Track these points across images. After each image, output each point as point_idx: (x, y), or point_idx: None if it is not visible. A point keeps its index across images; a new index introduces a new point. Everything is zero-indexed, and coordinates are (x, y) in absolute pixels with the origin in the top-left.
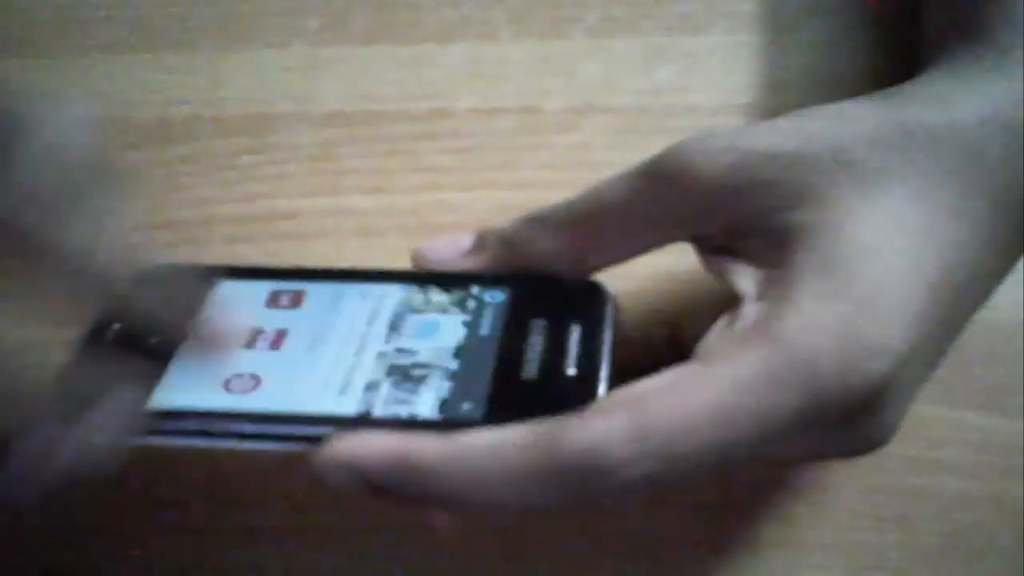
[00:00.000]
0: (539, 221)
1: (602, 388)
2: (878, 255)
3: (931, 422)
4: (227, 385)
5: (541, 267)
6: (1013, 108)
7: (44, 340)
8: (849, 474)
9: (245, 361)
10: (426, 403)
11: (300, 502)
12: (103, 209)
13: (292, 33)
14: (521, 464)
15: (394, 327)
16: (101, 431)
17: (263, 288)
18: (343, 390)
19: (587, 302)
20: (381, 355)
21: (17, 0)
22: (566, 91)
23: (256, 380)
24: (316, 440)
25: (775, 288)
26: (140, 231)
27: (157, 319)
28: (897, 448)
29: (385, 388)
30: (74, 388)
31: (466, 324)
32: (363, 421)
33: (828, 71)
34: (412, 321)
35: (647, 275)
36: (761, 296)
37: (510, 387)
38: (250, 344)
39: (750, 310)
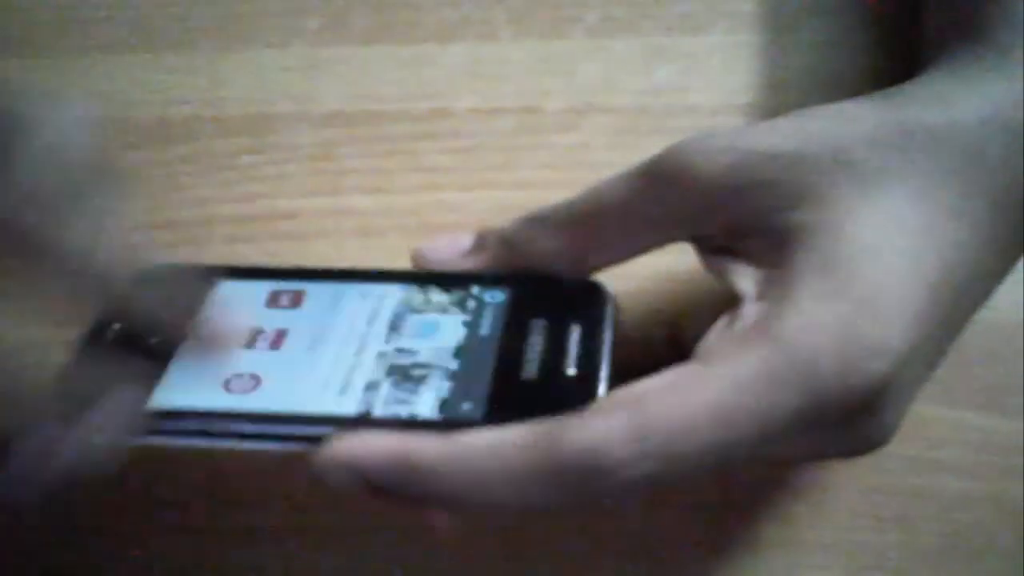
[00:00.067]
0: (539, 221)
1: (602, 388)
2: (878, 255)
3: (931, 422)
4: (227, 385)
5: (541, 267)
6: (1013, 108)
7: (44, 340)
8: (849, 474)
9: (245, 361)
10: (426, 403)
11: (300, 502)
12: (103, 209)
13: (292, 33)
14: (521, 464)
15: (394, 327)
16: (101, 431)
17: (263, 288)
18: (343, 390)
19: (587, 302)
20: (381, 355)
21: (17, 0)
22: (566, 91)
23: (256, 380)
24: (316, 440)
25: (775, 288)
26: (140, 231)
27: (157, 319)
28: (897, 448)
29: (385, 388)
30: (74, 388)
31: (466, 324)
32: (363, 421)
33: (828, 71)
34: (412, 321)
35: (647, 275)
36: (761, 296)
37: (510, 387)
38: (250, 344)
39: (750, 310)
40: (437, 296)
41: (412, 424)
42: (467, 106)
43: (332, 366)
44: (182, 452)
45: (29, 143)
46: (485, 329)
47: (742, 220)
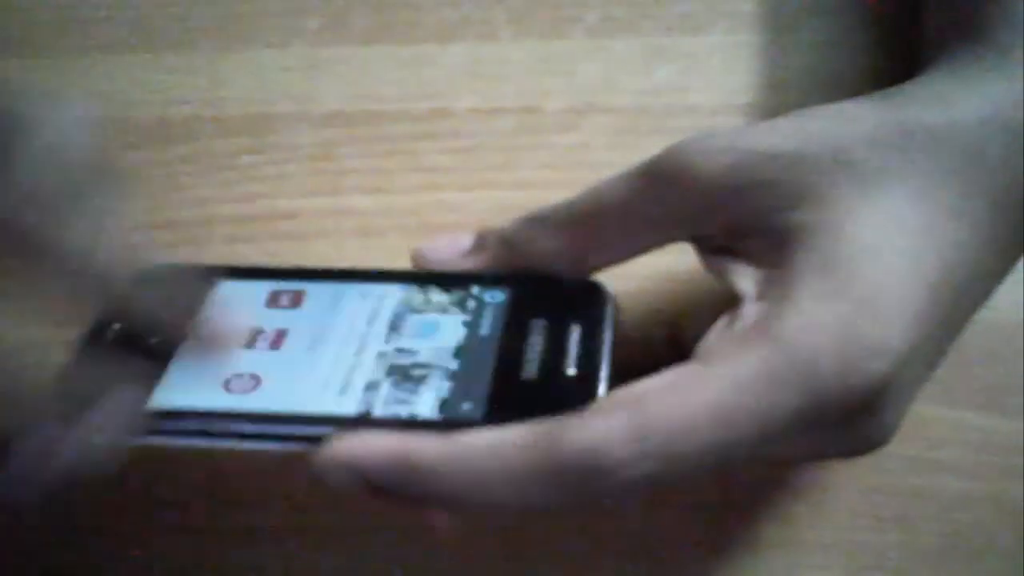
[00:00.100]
0: (539, 221)
1: (602, 388)
2: (878, 255)
3: (931, 422)
4: (227, 385)
5: (541, 267)
6: (1013, 108)
7: (44, 340)
8: (849, 474)
9: (245, 361)
10: (426, 403)
11: (300, 502)
12: (103, 209)
13: (292, 33)
14: (521, 464)
15: (394, 327)
16: (101, 431)
17: (263, 288)
18: (343, 390)
19: (587, 302)
20: (381, 355)
21: (17, 0)
22: (566, 91)
23: (256, 380)
24: (316, 440)
25: (775, 288)
26: (140, 231)
27: (157, 319)
28: (897, 448)
29: (385, 388)
30: (74, 388)
31: (466, 324)
32: (363, 421)
33: (828, 71)
34: (412, 321)
35: (647, 275)
36: (761, 296)
37: (510, 387)
38: (250, 344)
39: (750, 310)
40: (437, 296)
41: (412, 424)
42: (467, 106)
43: (332, 366)
44: (182, 452)
45: (29, 143)
46: (485, 329)
47: (742, 220)
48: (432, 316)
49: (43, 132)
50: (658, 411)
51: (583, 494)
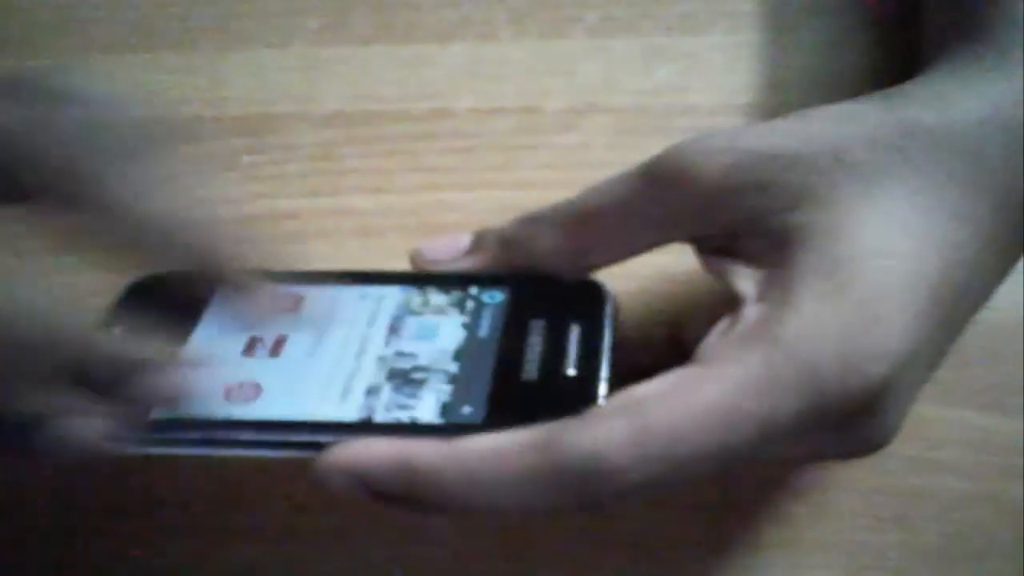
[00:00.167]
0: (538, 220)
1: (602, 388)
2: (878, 256)
3: (931, 422)
4: (228, 394)
5: (540, 266)
6: (1013, 108)
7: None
8: (849, 474)
9: (245, 369)
10: (427, 407)
11: (300, 502)
12: (155, 162)
13: (292, 33)
14: (522, 469)
15: (393, 330)
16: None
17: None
18: (344, 395)
19: (587, 302)
20: (381, 359)
21: (17, 0)
22: (566, 91)
23: (257, 389)
24: (318, 447)
25: (775, 290)
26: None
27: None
28: (897, 448)
29: (386, 392)
30: (101, 361)
31: (465, 326)
32: (365, 427)
33: (828, 71)
34: (411, 323)
35: (647, 275)
36: (761, 297)
37: (510, 389)
38: (249, 352)
39: (750, 312)
40: (436, 297)
41: (414, 429)
42: (467, 106)
43: (332, 371)
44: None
45: (78, 103)
46: (484, 330)
47: (742, 221)
48: (431, 318)
49: (90, 95)
50: (658, 415)
51: (584, 498)
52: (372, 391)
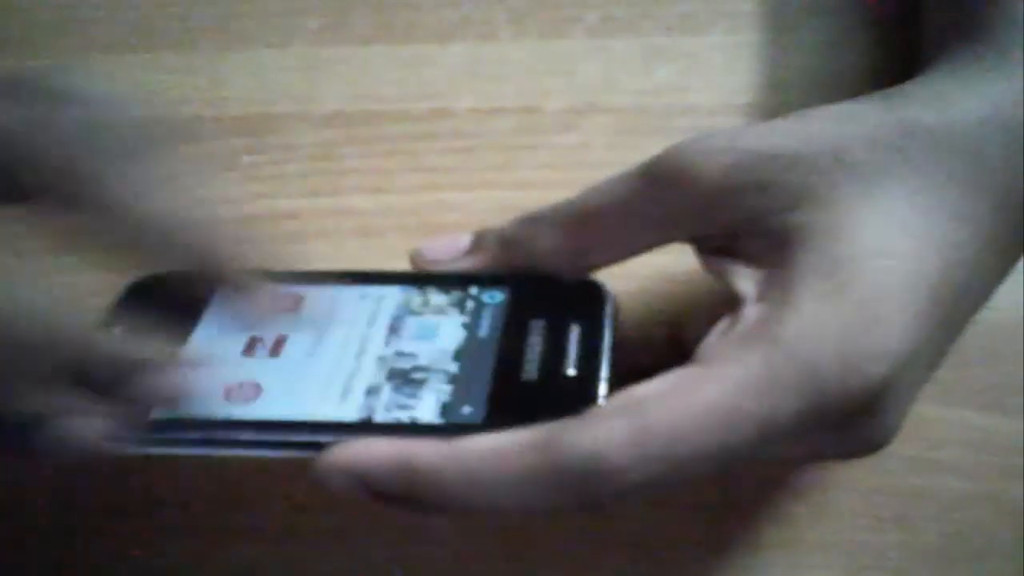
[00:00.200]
0: (538, 220)
1: (602, 389)
2: (878, 256)
3: (931, 422)
4: (228, 395)
5: (540, 265)
6: (1013, 108)
7: (94, 290)
8: (849, 474)
9: (245, 369)
10: (427, 407)
11: (300, 502)
12: (155, 161)
13: (292, 33)
14: (522, 470)
15: (393, 330)
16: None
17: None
18: (344, 395)
19: (587, 301)
20: (381, 359)
21: (17, 0)
22: (566, 91)
23: (257, 389)
24: (318, 447)
25: (775, 290)
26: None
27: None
28: (897, 448)
29: (386, 392)
30: (105, 356)
31: (465, 326)
32: (365, 427)
33: (828, 71)
34: (411, 323)
35: (647, 275)
36: (761, 297)
37: (510, 389)
38: (249, 352)
39: (750, 312)
40: (436, 297)
41: (414, 429)
42: (467, 106)
43: (332, 371)
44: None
45: (79, 99)
46: (484, 330)
47: (741, 221)
48: (431, 318)
49: (90, 95)
50: (658, 415)
51: (584, 498)
52: (372, 391)
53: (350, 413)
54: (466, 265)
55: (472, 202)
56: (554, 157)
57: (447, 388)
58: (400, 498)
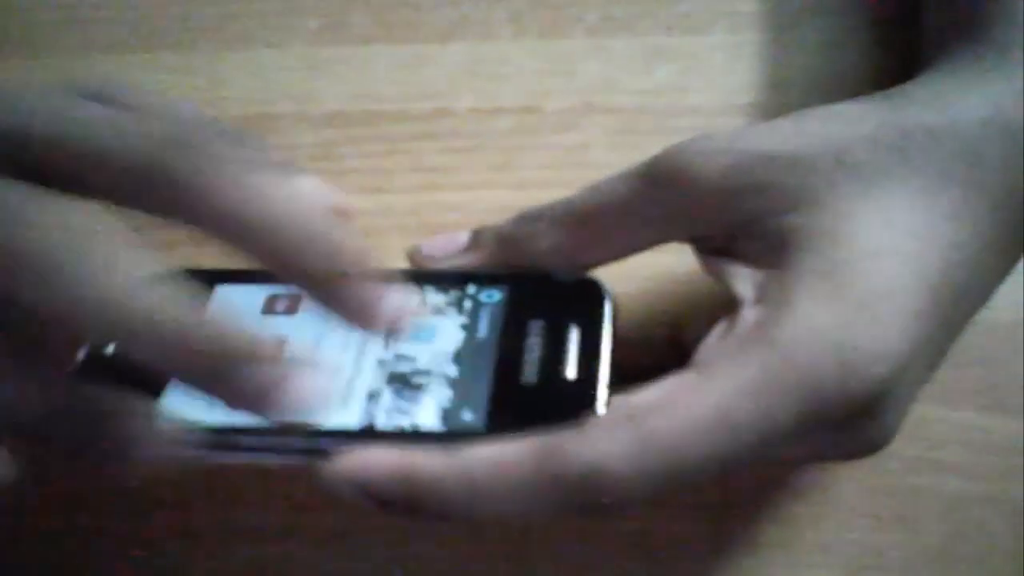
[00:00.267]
0: (536, 218)
1: (602, 391)
2: (878, 257)
3: (931, 422)
4: None
5: (538, 263)
6: (1013, 108)
7: None
8: (849, 475)
9: None
10: (427, 413)
11: (300, 502)
12: (247, 153)
13: (292, 33)
14: (523, 479)
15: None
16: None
17: (259, 293)
18: (344, 400)
19: (585, 300)
20: (381, 362)
21: (17, 0)
22: (566, 91)
23: None
24: (319, 453)
25: (774, 291)
26: (139, 231)
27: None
28: (897, 448)
29: (386, 397)
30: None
31: (464, 327)
32: (366, 434)
33: (829, 71)
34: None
35: (647, 275)
36: (760, 299)
37: (510, 393)
38: None
39: (749, 314)
40: (434, 297)
41: (415, 437)
42: (467, 106)
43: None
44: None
45: (147, 101)
46: (483, 331)
47: (740, 222)
48: (430, 319)
49: (153, 96)
50: (658, 425)
51: (585, 507)
52: (373, 396)
53: (352, 419)
54: (464, 262)
55: (472, 202)
56: (554, 157)
57: (447, 393)
58: (403, 507)
